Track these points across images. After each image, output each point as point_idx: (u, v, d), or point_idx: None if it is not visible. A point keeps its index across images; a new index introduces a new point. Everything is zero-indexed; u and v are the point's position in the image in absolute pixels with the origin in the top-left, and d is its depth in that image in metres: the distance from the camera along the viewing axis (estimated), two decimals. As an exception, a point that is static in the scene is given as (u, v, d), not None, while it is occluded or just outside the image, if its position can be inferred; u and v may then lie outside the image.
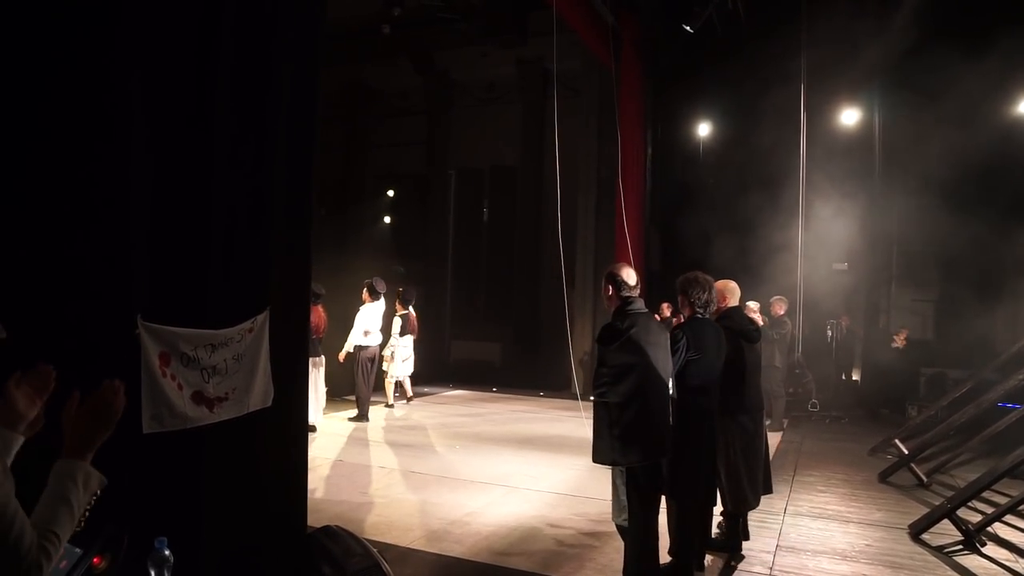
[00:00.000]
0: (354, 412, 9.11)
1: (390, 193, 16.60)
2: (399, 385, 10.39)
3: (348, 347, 9.00)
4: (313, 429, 7.80)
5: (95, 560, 1.76)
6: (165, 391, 2.79)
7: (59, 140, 2.54)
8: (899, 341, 11.26)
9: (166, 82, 2.89)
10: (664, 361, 3.81)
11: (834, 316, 11.80)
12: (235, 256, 3.23)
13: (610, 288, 3.87)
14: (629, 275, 3.86)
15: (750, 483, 4.63)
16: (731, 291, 4.84)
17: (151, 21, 2.80)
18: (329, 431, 8.30)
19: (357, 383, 9.02)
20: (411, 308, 10.13)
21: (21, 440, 1.52)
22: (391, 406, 10.16)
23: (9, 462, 1.47)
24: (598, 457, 3.72)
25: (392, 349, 9.90)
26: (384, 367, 9.91)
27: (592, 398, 3.89)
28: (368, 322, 8.98)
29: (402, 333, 9.90)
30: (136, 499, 2.59)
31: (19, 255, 2.45)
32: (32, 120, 2.50)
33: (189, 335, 2.95)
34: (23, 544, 1.38)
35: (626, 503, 3.72)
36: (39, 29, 2.50)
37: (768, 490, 4.95)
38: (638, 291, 3.89)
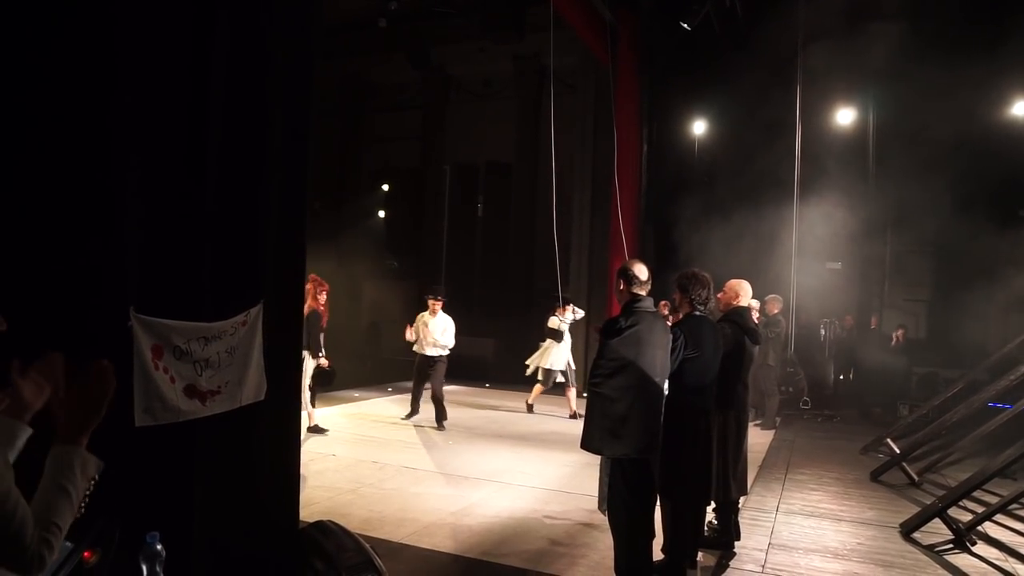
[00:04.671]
0: (355, 408, 8.94)
1: (385, 187, 16.56)
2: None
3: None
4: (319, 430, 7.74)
5: (86, 554, 1.74)
6: (158, 384, 2.77)
7: (54, 132, 2.51)
8: (898, 338, 11.34)
9: (161, 74, 2.87)
10: (662, 361, 3.84)
11: (828, 315, 11.83)
12: (229, 249, 3.21)
13: (622, 283, 3.89)
14: (641, 271, 3.89)
15: (734, 476, 4.65)
16: (744, 291, 4.92)
17: (147, 14, 2.77)
18: (322, 425, 8.27)
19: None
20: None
21: (29, 431, 1.46)
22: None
23: (14, 455, 1.42)
24: (585, 444, 3.85)
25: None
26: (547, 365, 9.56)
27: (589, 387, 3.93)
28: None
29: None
30: (127, 493, 2.57)
31: (11, 247, 2.43)
32: (27, 113, 2.47)
33: (182, 328, 2.92)
34: (25, 536, 1.36)
35: (607, 493, 3.82)
36: (35, 28, 2.47)
37: (743, 491, 4.94)
38: (649, 287, 3.90)
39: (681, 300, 4.23)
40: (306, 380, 7.80)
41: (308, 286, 7.74)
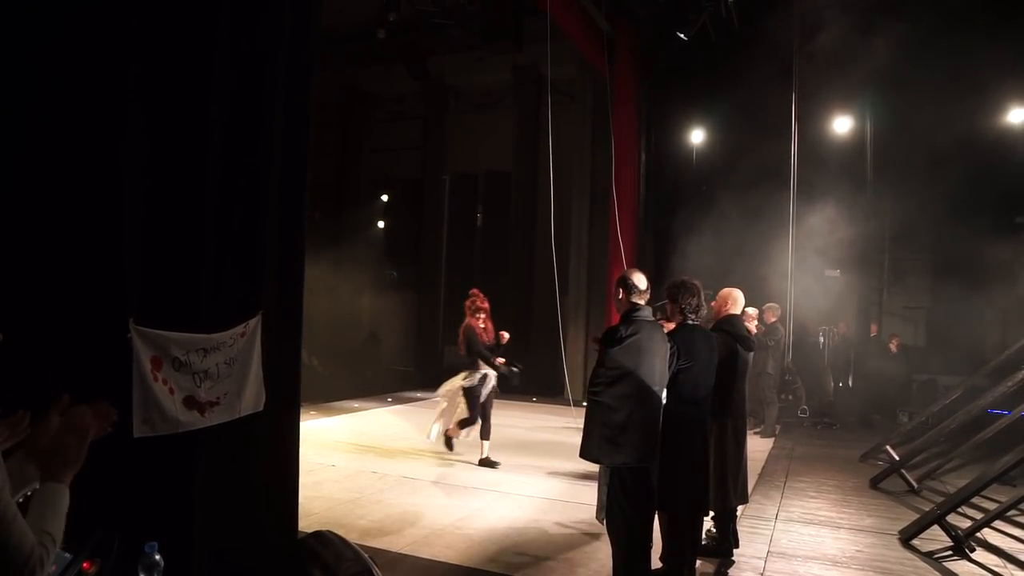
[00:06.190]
0: (354, 418, 8.80)
1: (384, 197, 16.61)
2: None
3: None
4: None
5: (85, 565, 1.75)
6: (157, 395, 2.79)
7: (53, 145, 2.54)
8: (892, 347, 11.36)
9: (162, 87, 2.90)
10: (661, 370, 3.86)
11: (827, 323, 11.84)
12: (228, 260, 3.23)
13: (621, 291, 3.91)
14: (640, 280, 3.91)
15: (734, 484, 4.65)
16: (734, 299, 4.91)
17: (148, 27, 2.81)
18: (323, 437, 8.27)
19: None
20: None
21: None
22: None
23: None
24: (583, 453, 3.85)
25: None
26: None
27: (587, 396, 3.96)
28: None
29: None
30: (126, 504, 2.59)
31: (12, 259, 2.45)
32: (25, 125, 2.50)
33: (181, 339, 2.94)
34: (25, 545, 1.37)
35: (605, 501, 3.82)
36: (36, 34, 2.50)
37: (743, 499, 4.94)
38: (648, 296, 3.92)
39: (673, 310, 4.23)
40: (454, 406, 7.16)
41: (467, 302, 7.39)
